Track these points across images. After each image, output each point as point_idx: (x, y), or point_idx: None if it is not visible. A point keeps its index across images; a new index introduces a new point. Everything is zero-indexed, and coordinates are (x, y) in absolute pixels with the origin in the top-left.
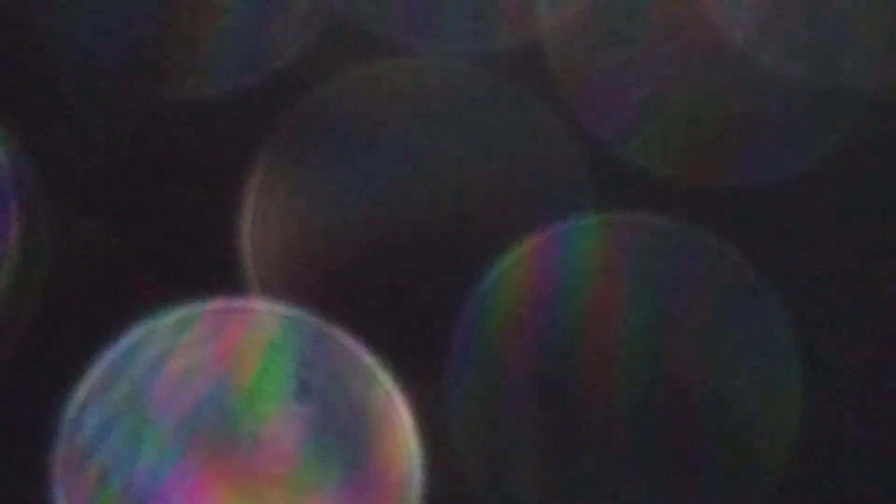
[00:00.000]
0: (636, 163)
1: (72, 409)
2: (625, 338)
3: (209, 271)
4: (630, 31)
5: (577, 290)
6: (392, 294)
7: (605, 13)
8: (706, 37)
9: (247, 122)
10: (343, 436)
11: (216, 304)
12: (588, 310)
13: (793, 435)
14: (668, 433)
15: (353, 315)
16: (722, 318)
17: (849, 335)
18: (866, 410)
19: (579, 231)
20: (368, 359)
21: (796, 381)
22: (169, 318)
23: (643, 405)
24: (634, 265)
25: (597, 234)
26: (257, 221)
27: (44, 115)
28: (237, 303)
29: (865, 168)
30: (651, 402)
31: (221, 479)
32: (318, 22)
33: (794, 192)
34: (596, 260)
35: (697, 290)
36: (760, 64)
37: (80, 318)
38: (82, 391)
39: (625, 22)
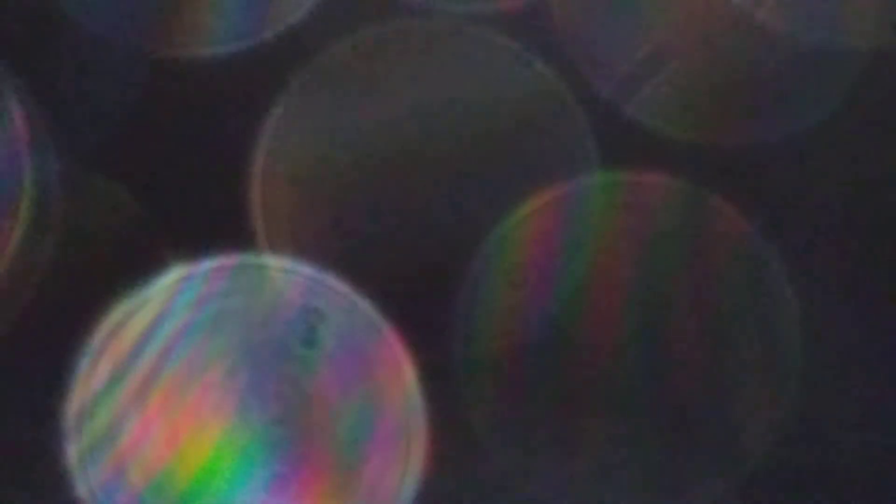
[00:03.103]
0: (640, 121)
1: (81, 366)
2: (628, 296)
3: (219, 227)
4: None
5: (581, 248)
6: (398, 251)
7: None
8: None
9: (257, 80)
10: (345, 389)
11: (224, 260)
12: (592, 269)
13: (791, 400)
14: (668, 392)
15: (359, 272)
16: (723, 275)
17: (849, 290)
18: (864, 372)
19: (584, 190)
20: (374, 313)
21: (796, 336)
22: (178, 274)
23: (645, 364)
24: (637, 223)
25: (601, 193)
26: (267, 178)
27: (54, 74)
28: (246, 258)
29: (866, 127)
30: (653, 360)
31: (227, 429)
32: None
33: (796, 151)
34: (599, 218)
35: (699, 248)
36: (762, 23)
37: (91, 273)
38: (92, 347)
39: None
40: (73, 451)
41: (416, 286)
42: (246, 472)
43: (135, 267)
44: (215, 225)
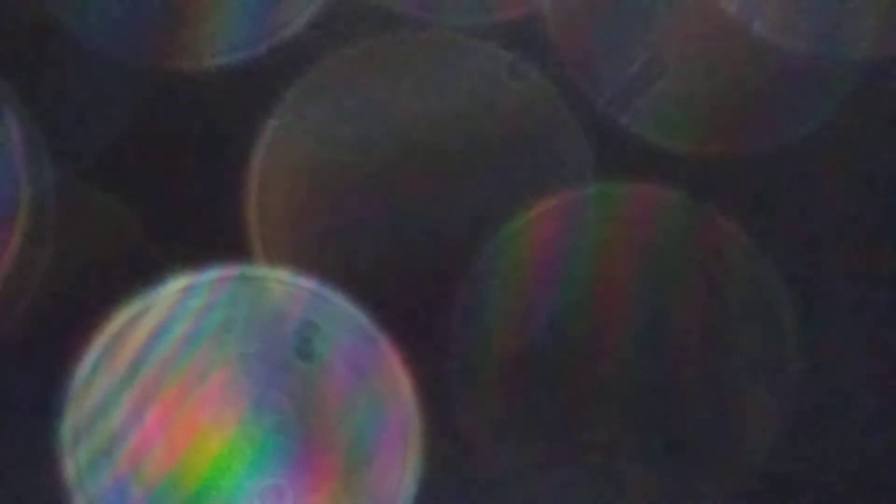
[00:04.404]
0: (636, 132)
1: (79, 377)
2: (624, 309)
3: (215, 239)
4: (629, 2)
5: (577, 260)
6: (394, 263)
7: None
8: (704, 6)
9: (254, 93)
10: (343, 400)
11: (221, 271)
12: (588, 280)
13: (789, 408)
14: (667, 399)
15: (356, 283)
16: (720, 286)
17: (846, 299)
18: (865, 377)
19: (580, 200)
20: (370, 325)
21: (795, 345)
22: (174, 286)
23: (644, 373)
24: (633, 235)
25: (597, 204)
26: (263, 190)
27: (51, 84)
28: (242, 270)
29: (863, 137)
30: (652, 369)
31: (224, 440)
32: None
33: (792, 161)
34: (595, 230)
35: (695, 260)
36: (758, 33)
37: (88, 285)
38: (89, 359)
39: None
40: (71, 463)
41: (413, 297)
42: (244, 483)
43: (131, 278)
44: (212, 236)
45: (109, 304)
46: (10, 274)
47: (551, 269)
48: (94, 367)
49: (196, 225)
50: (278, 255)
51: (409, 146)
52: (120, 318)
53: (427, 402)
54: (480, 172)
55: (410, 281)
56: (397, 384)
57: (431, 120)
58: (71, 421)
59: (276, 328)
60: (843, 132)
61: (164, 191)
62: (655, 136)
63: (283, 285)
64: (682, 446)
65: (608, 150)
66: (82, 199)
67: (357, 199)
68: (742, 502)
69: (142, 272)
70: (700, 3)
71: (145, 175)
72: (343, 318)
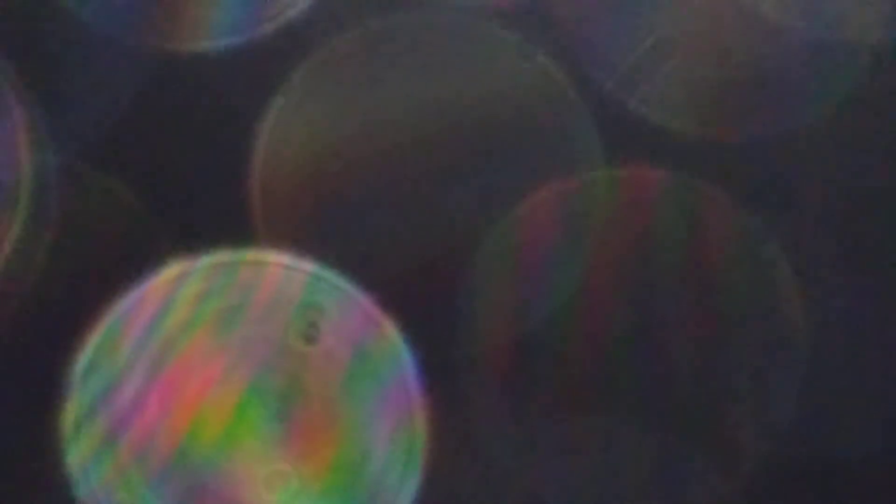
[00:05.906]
0: (642, 115)
1: (81, 363)
2: (630, 294)
3: (218, 222)
4: None
5: (584, 244)
6: (399, 246)
7: None
8: None
9: (258, 75)
10: (347, 384)
11: (225, 255)
12: (596, 264)
13: (792, 399)
14: (669, 390)
15: (361, 266)
16: (725, 271)
17: (853, 287)
18: (865, 370)
19: (586, 185)
20: (375, 310)
21: (797, 334)
22: (177, 270)
23: (647, 362)
24: (640, 218)
25: (603, 188)
26: (267, 173)
27: (53, 66)
28: (246, 254)
29: (871, 121)
30: (654, 358)
31: (226, 426)
32: None
33: (800, 145)
34: (602, 213)
35: (701, 243)
36: (766, 15)
37: (90, 269)
38: (92, 344)
39: None
40: (72, 451)
41: (418, 282)
42: (248, 469)
43: (134, 263)
44: (215, 220)
45: (112, 288)
46: (10, 258)
47: (558, 254)
48: (96, 353)
49: (199, 208)
50: (282, 238)
51: (415, 129)
52: (122, 302)
53: (432, 387)
54: (488, 155)
55: (416, 265)
56: (401, 369)
57: (437, 102)
58: (72, 409)
59: (281, 312)
60: (852, 116)
61: (166, 173)
62: (663, 118)
63: (288, 269)
64: (683, 434)
65: (616, 134)
66: (84, 181)
67: (362, 183)
68: (742, 498)
69: (144, 255)
70: None
71: (148, 158)
72: (347, 302)
